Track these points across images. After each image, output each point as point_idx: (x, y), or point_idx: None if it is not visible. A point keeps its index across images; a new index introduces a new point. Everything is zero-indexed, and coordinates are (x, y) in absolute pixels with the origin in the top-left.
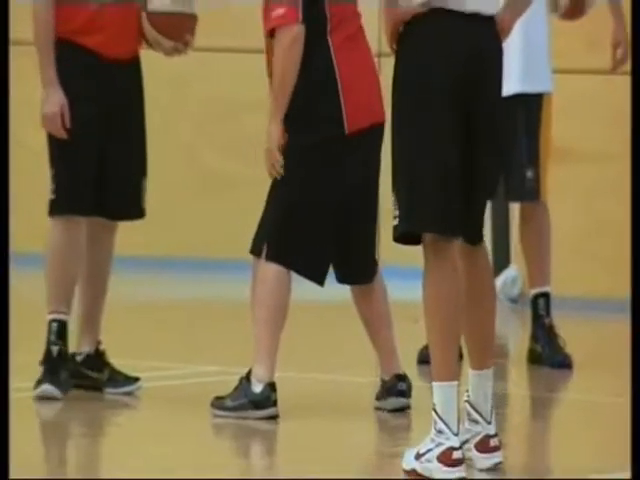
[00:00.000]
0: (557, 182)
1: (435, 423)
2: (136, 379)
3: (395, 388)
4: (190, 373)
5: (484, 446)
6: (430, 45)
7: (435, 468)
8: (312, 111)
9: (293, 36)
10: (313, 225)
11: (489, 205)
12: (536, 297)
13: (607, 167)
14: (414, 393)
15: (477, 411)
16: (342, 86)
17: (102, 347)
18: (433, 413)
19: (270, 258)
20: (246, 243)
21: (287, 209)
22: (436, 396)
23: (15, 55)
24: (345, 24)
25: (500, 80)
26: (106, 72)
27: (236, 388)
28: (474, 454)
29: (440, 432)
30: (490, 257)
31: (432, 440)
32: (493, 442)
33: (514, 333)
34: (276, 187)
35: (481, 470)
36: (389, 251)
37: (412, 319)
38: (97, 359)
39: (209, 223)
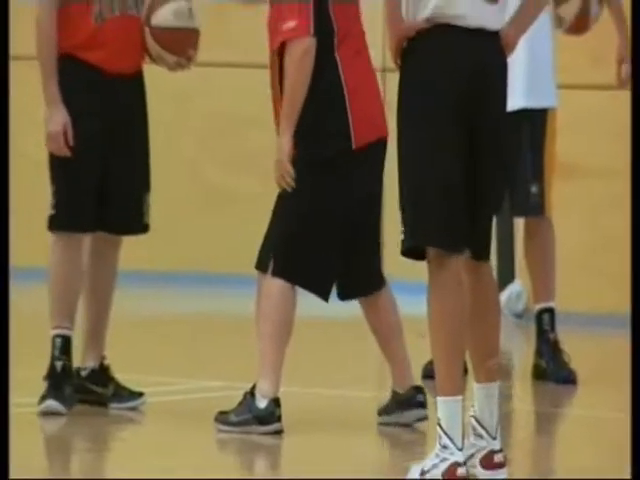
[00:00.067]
0: (563, 198)
1: (440, 438)
2: (140, 394)
3: (414, 399)
4: (194, 388)
5: (488, 462)
6: (434, 61)
7: None
8: (320, 125)
9: (304, 49)
10: (320, 240)
11: (494, 220)
12: (541, 312)
13: (612, 183)
14: None
15: (482, 426)
16: (349, 101)
17: (107, 362)
18: (438, 428)
19: (276, 273)
20: (249, 258)
21: (294, 223)
22: (441, 411)
23: (17, 67)
24: (350, 39)
25: (504, 95)
26: (109, 87)
27: (240, 403)
28: (479, 470)
29: (445, 447)
30: (494, 272)
31: (437, 455)
32: (497, 458)
33: (519, 348)
34: (283, 201)
35: None
36: (395, 266)
37: (418, 334)
38: (102, 374)
39: (212, 238)
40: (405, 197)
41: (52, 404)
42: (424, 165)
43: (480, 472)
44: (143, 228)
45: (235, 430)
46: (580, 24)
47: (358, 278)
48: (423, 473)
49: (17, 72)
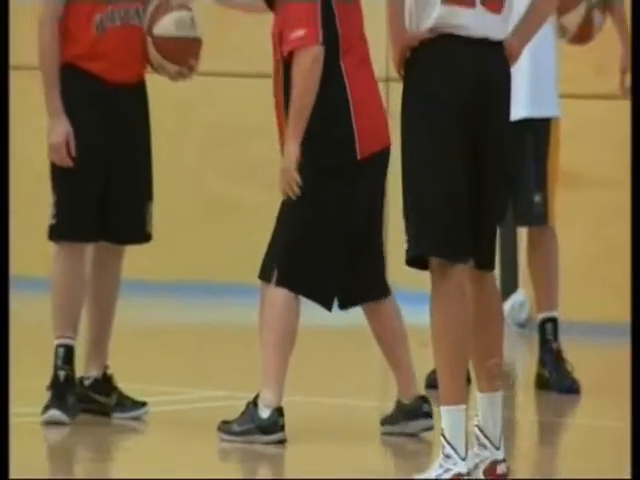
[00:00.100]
0: (566, 207)
1: (443, 448)
2: (143, 404)
3: (420, 410)
4: (197, 398)
5: (491, 472)
6: (438, 71)
7: None
8: (325, 135)
9: (313, 57)
10: (324, 249)
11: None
12: (544, 322)
13: (616, 192)
14: None
15: (486, 435)
16: (354, 111)
17: (110, 371)
18: (441, 438)
19: (280, 283)
20: (252, 267)
21: (298, 232)
22: (444, 421)
23: (19, 76)
24: (354, 49)
25: (508, 105)
26: (111, 97)
27: (243, 413)
28: None
29: (448, 457)
30: (497, 282)
31: (440, 465)
32: (500, 469)
33: (522, 358)
34: (287, 210)
35: None
36: (398, 275)
37: (420, 343)
38: (105, 383)
39: (215, 247)
40: (409, 206)
41: (55, 414)
42: (427, 175)
43: None
44: (145, 237)
45: (238, 440)
46: (583, 34)
47: (361, 285)
48: None
49: (19, 82)
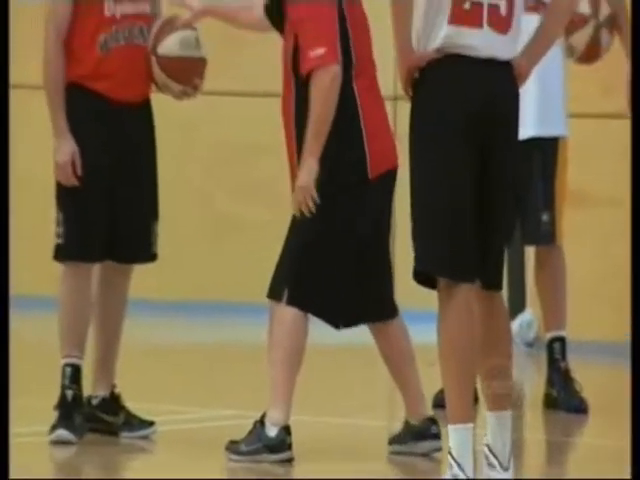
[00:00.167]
0: (574, 226)
1: (451, 467)
2: (151, 423)
3: (429, 431)
4: (205, 417)
5: None
6: (445, 91)
7: None
8: (338, 156)
9: (332, 76)
10: (333, 268)
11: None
12: (552, 341)
13: (623, 211)
14: None
15: (494, 455)
16: (366, 132)
17: (117, 391)
18: (448, 456)
19: (291, 302)
20: (259, 286)
21: (308, 252)
22: (452, 440)
23: (22, 95)
24: (365, 71)
25: (516, 125)
26: (116, 116)
27: (250, 432)
28: None
29: (455, 477)
30: (505, 301)
31: None
32: None
33: (530, 377)
34: (296, 230)
35: None
36: (404, 294)
37: (428, 363)
38: (112, 403)
39: (221, 266)
40: (416, 226)
41: (63, 433)
42: (434, 194)
43: None
44: (151, 257)
45: (245, 460)
46: (591, 53)
47: (368, 305)
48: None
49: (22, 100)
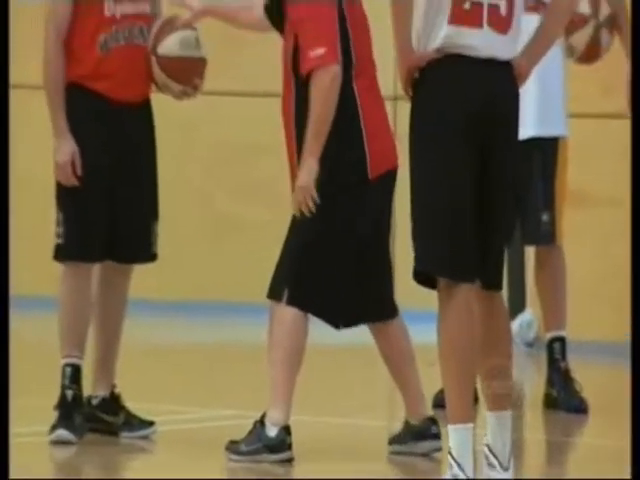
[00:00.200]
0: (574, 226)
1: (451, 467)
2: (151, 423)
3: (429, 431)
4: (205, 417)
5: None
6: (444, 91)
7: None
8: (338, 156)
9: (332, 76)
10: (334, 267)
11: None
12: (552, 341)
13: (623, 211)
14: None
15: (494, 455)
16: (366, 133)
17: (117, 391)
18: (448, 457)
19: (291, 302)
20: (259, 286)
21: (308, 251)
22: (451, 440)
23: (23, 95)
24: (365, 71)
25: (516, 125)
26: (116, 116)
27: (250, 432)
28: None
29: (455, 477)
30: (505, 301)
31: None
32: None
33: (530, 377)
34: (296, 230)
35: None
36: (404, 294)
37: (428, 363)
38: (112, 403)
39: (221, 266)
40: (416, 225)
41: (63, 433)
42: (434, 194)
43: None
44: (151, 257)
45: (245, 460)
46: (591, 53)
47: (368, 304)
48: None
49: (21, 100)
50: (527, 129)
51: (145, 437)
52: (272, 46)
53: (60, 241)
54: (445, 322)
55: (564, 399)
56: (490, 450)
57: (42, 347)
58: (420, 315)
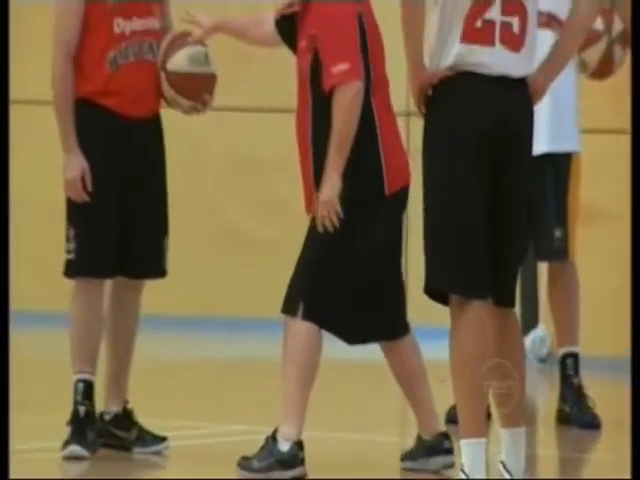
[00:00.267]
0: (586, 242)
1: None
2: (164, 438)
3: (442, 446)
4: (218, 432)
5: None
6: (457, 109)
7: None
8: (356, 170)
9: (355, 92)
10: (348, 283)
11: None
12: (564, 357)
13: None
14: None
15: (508, 471)
16: (383, 148)
17: (130, 406)
18: (461, 473)
19: (307, 317)
20: (270, 301)
21: (323, 267)
22: (464, 455)
23: (27, 112)
24: (380, 87)
25: (530, 142)
26: (126, 132)
27: (262, 448)
28: None
29: None
30: (518, 317)
31: None
32: None
33: (543, 393)
34: (311, 244)
35: None
36: (415, 311)
37: (439, 379)
38: (125, 418)
39: (231, 281)
40: (429, 241)
41: (75, 449)
42: (446, 211)
43: None
44: (161, 273)
45: (258, 476)
46: (604, 69)
47: (380, 322)
48: None
49: (26, 116)
50: (540, 145)
51: (158, 453)
52: (282, 62)
53: (71, 257)
54: (457, 338)
55: (577, 415)
56: (504, 467)
57: (49, 364)
58: (432, 331)
